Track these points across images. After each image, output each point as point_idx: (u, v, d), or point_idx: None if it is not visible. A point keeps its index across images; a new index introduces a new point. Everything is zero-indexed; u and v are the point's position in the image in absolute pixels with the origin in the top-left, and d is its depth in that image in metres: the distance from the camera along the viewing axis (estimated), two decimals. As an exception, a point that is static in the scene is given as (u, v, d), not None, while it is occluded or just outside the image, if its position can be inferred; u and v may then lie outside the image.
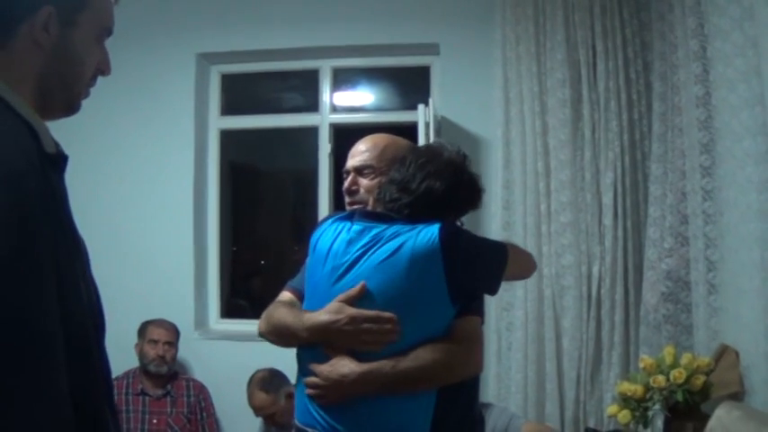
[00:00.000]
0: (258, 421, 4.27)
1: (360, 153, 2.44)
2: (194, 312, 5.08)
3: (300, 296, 2.36)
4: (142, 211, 5.08)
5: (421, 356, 2.04)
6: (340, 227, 2.23)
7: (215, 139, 5.30)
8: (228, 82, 5.37)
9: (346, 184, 2.44)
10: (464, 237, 2.17)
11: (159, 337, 4.64)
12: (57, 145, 1.38)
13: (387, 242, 2.08)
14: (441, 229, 2.06)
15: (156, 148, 5.09)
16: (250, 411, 4.19)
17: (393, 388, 2.05)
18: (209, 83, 5.30)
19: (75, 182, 4.97)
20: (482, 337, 2.23)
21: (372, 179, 2.37)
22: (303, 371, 2.24)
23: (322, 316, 2.13)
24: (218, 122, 5.31)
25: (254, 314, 2.53)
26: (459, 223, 2.33)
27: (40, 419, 1.14)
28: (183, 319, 4.99)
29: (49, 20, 1.33)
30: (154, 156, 5.08)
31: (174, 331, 4.72)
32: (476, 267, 2.16)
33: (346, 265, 2.14)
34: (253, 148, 5.93)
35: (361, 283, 2.10)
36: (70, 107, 1.45)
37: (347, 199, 2.44)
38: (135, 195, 5.09)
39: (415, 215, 2.14)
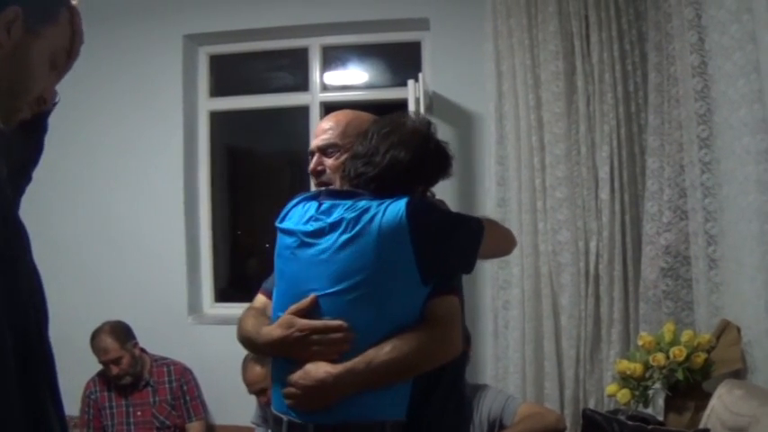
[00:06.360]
0: (253, 407, 4.21)
1: (323, 132, 2.36)
2: (187, 297, 5.04)
3: None
4: (132, 196, 5.03)
5: (396, 348, 1.97)
6: (307, 206, 2.16)
7: (204, 121, 5.23)
8: (217, 63, 5.30)
9: (311, 165, 2.36)
10: (434, 211, 2.10)
11: (102, 357, 4.37)
12: None
13: (355, 219, 2.00)
14: (408, 204, 1.98)
15: (145, 132, 5.03)
16: (244, 396, 4.13)
17: (372, 384, 1.99)
18: (197, 64, 5.23)
19: (64, 168, 4.94)
20: (459, 317, 2.13)
21: (338, 158, 2.29)
22: (275, 368, 2.19)
23: (275, 331, 2.10)
24: (208, 104, 5.25)
25: (251, 298, 2.50)
26: (430, 194, 2.26)
27: None
28: (176, 303, 4.98)
29: (14, 21, 1.26)
30: (143, 140, 5.02)
31: (115, 338, 4.36)
32: (447, 244, 2.07)
33: (315, 246, 2.06)
34: (249, 131, 5.87)
35: (312, 296, 2.05)
36: (8, 119, 1.37)
37: (313, 180, 2.38)
38: (125, 180, 5.04)
39: (381, 188, 2.06)
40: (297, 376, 2.04)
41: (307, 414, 2.04)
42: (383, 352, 1.97)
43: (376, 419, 2.00)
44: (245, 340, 2.26)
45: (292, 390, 2.04)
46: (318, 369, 2.01)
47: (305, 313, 2.05)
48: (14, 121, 1.38)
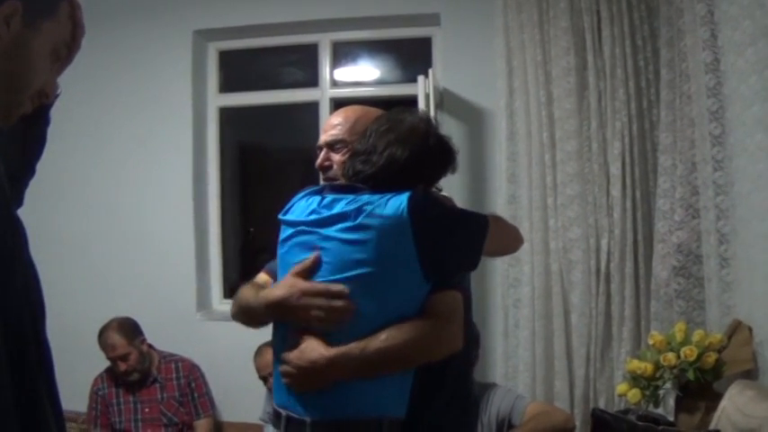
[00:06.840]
0: (261, 403, 4.19)
1: (331, 127, 2.35)
2: (196, 293, 5.04)
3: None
4: (142, 192, 5.04)
5: (392, 336, 1.96)
6: (311, 200, 2.16)
7: (214, 117, 5.22)
8: (226, 59, 5.28)
9: (318, 160, 2.35)
10: (436, 206, 2.08)
11: (110, 353, 4.37)
12: None
13: (356, 211, 2.00)
14: (410, 199, 1.97)
15: (155, 128, 5.02)
16: (253, 393, 4.13)
17: (365, 371, 1.98)
18: (207, 60, 5.21)
19: (73, 164, 4.95)
20: (460, 312, 2.11)
21: (344, 154, 2.27)
22: (276, 354, 2.18)
23: (277, 291, 2.10)
24: (217, 100, 5.24)
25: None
26: (436, 189, 2.25)
27: None
28: (184, 300, 4.98)
29: (13, 14, 1.24)
30: (152, 136, 5.02)
31: (123, 335, 4.37)
32: (449, 239, 2.05)
33: (317, 235, 2.06)
34: (259, 127, 5.86)
35: (315, 253, 2.04)
36: (7, 115, 1.35)
37: (321, 176, 2.37)
38: (134, 176, 5.04)
39: (379, 186, 2.05)
40: (292, 355, 2.04)
41: (303, 408, 2.03)
42: (378, 339, 1.96)
43: (373, 416, 1.99)
44: (244, 308, 2.26)
45: (287, 368, 2.05)
46: (313, 350, 2.00)
47: (308, 275, 2.04)
48: (16, 116, 1.37)
